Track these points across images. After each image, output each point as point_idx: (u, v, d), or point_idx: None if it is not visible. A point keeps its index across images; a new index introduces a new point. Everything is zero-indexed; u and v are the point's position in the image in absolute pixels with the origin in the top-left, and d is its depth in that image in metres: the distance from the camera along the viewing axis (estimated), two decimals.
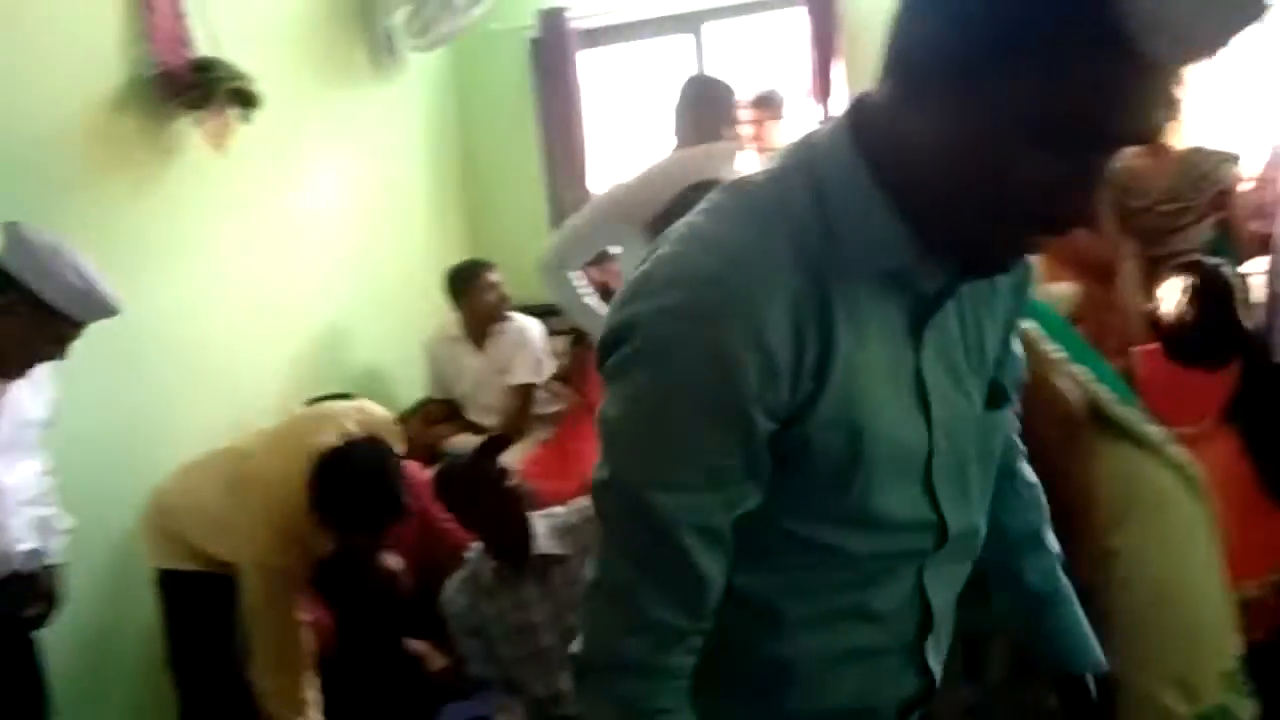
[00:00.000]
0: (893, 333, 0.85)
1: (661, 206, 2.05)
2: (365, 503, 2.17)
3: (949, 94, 0.73)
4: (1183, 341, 2.46)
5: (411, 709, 2.51)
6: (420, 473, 2.95)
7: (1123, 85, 0.69)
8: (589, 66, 4.25)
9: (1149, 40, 0.65)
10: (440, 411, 3.69)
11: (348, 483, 2.15)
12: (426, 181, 4.15)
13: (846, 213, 0.80)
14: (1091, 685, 1.13)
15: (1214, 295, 2.48)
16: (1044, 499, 1.18)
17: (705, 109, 2.81)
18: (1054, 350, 1.40)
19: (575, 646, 0.90)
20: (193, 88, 2.81)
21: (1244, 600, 2.36)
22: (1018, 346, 1.05)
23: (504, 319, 3.64)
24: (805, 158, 0.84)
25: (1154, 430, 1.51)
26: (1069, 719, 1.14)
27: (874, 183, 0.80)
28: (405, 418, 3.58)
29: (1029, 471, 1.18)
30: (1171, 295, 2.52)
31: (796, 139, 0.87)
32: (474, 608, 2.28)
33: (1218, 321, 2.47)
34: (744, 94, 3.47)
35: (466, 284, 3.62)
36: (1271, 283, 2.65)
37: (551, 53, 4.16)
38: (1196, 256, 2.75)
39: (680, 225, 0.85)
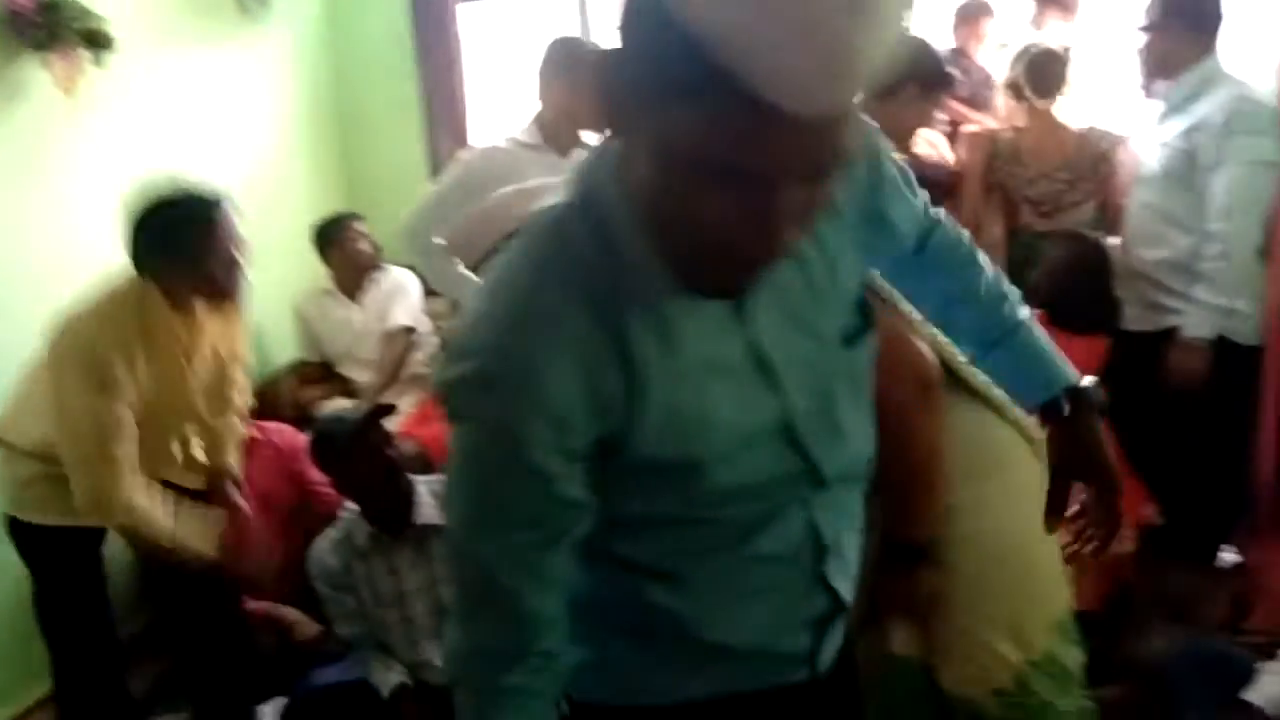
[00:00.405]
0: (713, 323, 0.87)
1: (481, 254, 2.07)
2: (182, 216, 2.06)
3: (633, 132, 0.77)
4: (1063, 308, 2.60)
5: (274, 675, 2.47)
6: (295, 436, 2.89)
7: (749, 128, 0.68)
8: (471, 18, 4.16)
9: (761, 90, 0.66)
10: (315, 373, 3.60)
11: (165, 204, 2.06)
12: (299, 133, 4.00)
13: (623, 241, 0.83)
14: (1063, 404, 1.14)
15: (1092, 265, 2.63)
16: (975, 254, 1.18)
17: (576, 74, 2.78)
18: (911, 311, 1.45)
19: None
20: (40, 28, 2.65)
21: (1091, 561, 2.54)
22: (904, 201, 1.04)
23: (378, 269, 3.58)
24: (584, 188, 0.87)
25: (999, 392, 1.59)
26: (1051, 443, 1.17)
27: (631, 211, 0.82)
28: (279, 379, 3.49)
29: (958, 239, 1.17)
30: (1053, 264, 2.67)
31: (581, 162, 0.89)
32: (347, 568, 2.25)
33: (1095, 290, 2.62)
34: None
35: (333, 236, 3.55)
36: (1123, 255, 2.82)
37: (432, 2, 4.05)
38: (1079, 229, 2.89)
39: (486, 274, 0.90)
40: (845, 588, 1.05)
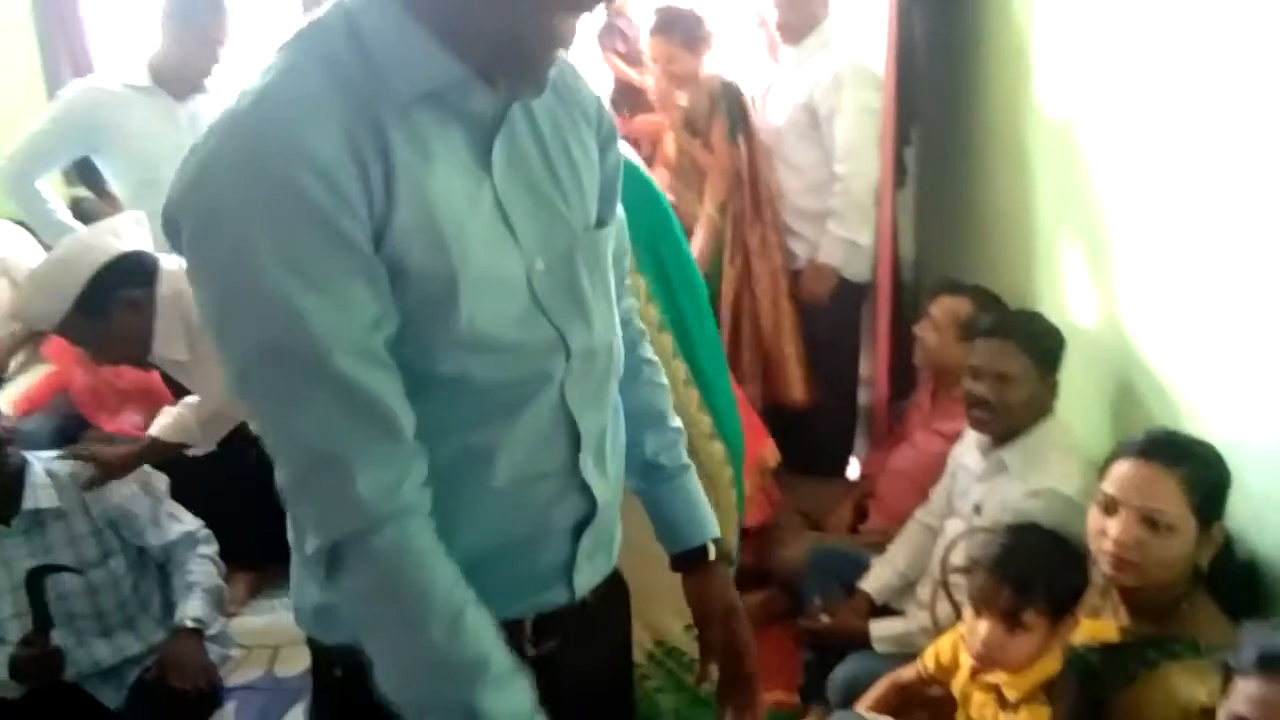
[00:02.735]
0: (462, 160, 0.89)
1: (79, 291, 1.97)
2: None
3: None
4: None
5: None
6: None
7: None
8: None
9: None
10: None
11: None
12: None
13: (382, 45, 0.84)
14: (711, 551, 1.18)
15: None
16: (664, 379, 1.22)
17: (195, 18, 2.63)
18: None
19: (311, 544, 0.87)
20: None
21: None
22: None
23: None
24: (338, 6, 0.87)
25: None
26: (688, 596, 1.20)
27: (404, 8, 0.84)
28: None
29: (648, 350, 1.22)
30: None
31: None
32: None
33: None
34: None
35: None
36: None
37: None
38: None
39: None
40: (602, 490, 1.03)
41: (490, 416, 0.93)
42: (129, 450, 2.12)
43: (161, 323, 2.07)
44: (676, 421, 1.21)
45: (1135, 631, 1.48)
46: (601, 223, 1.02)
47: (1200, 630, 1.43)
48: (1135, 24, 1.96)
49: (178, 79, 2.70)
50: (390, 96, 0.84)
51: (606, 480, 1.05)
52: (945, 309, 2.51)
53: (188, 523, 2.20)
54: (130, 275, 2.03)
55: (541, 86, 0.89)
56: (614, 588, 1.14)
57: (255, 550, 2.41)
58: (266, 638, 2.64)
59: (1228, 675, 1.12)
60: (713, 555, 1.19)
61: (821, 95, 2.85)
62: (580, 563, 1.04)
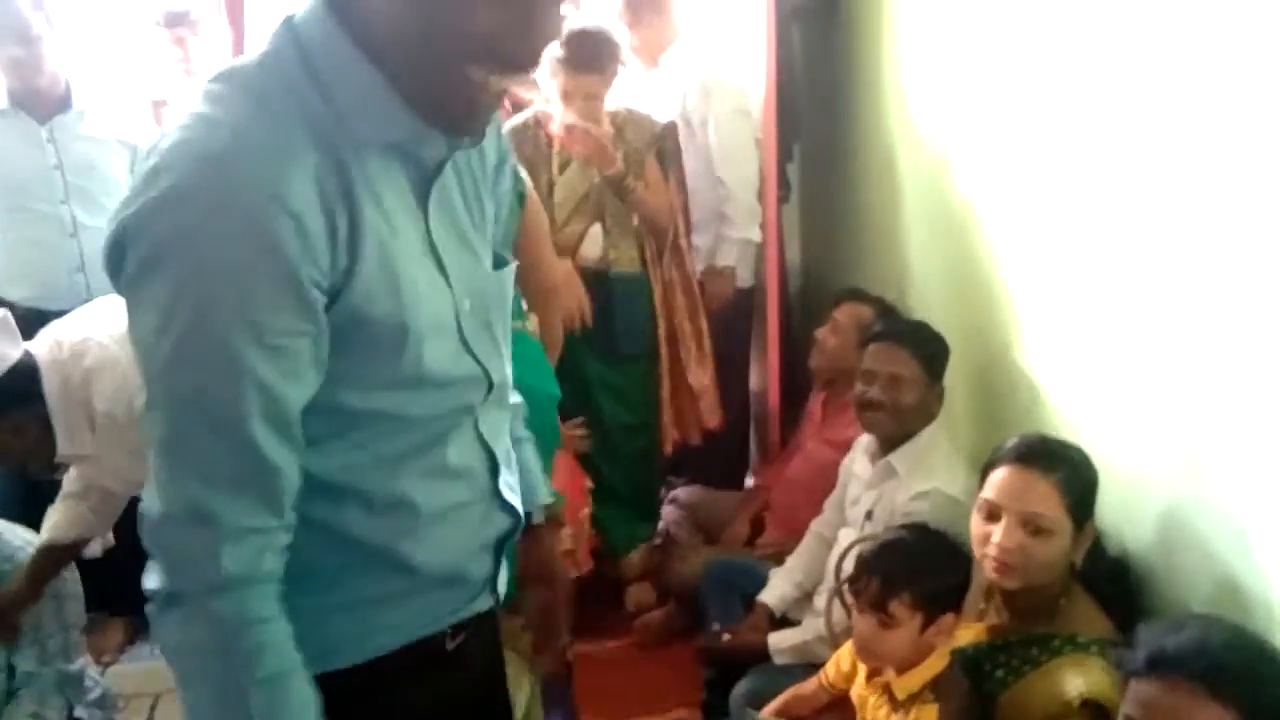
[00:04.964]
0: (405, 203, 0.90)
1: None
2: None
3: None
4: None
5: None
6: None
7: None
8: None
9: None
10: None
11: None
12: None
13: (345, 89, 0.83)
14: (532, 518, 1.22)
15: None
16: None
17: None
18: None
19: (153, 581, 0.87)
20: None
21: None
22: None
23: None
24: (289, 37, 0.85)
25: None
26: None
27: (358, 52, 0.83)
28: None
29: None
30: None
31: (277, 22, 0.87)
32: None
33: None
34: (154, 13, 3.18)
35: None
36: None
37: None
38: None
39: (180, 116, 0.82)
40: (519, 504, 1.09)
41: (421, 449, 0.97)
42: (18, 586, 2.00)
43: (60, 423, 1.75)
44: (515, 397, 1.21)
45: (1018, 630, 1.52)
46: (501, 262, 1.06)
47: (1078, 624, 1.47)
48: (988, 43, 2.05)
49: (33, 98, 2.56)
50: (352, 141, 0.84)
51: (518, 494, 1.11)
52: (849, 314, 2.55)
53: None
54: (6, 399, 1.71)
55: (479, 136, 0.93)
56: None
57: (130, 597, 2.28)
58: (146, 685, 2.51)
59: (1126, 678, 1.16)
60: (537, 520, 1.24)
61: (693, 105, 2.92)
62: (499, 572, 1.11)
